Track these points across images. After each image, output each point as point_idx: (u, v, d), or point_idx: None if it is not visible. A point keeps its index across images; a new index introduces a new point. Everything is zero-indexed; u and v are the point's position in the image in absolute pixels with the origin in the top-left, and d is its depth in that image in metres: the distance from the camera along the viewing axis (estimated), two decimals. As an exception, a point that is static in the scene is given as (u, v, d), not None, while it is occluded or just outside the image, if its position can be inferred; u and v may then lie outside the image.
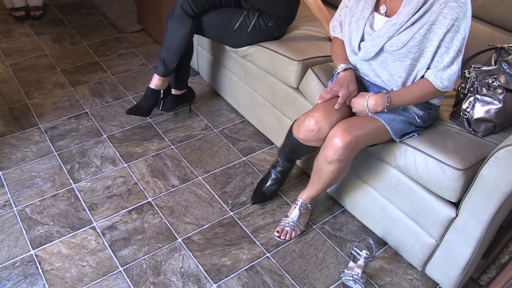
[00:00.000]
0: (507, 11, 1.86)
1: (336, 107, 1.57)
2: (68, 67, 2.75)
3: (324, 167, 1.61)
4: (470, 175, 1.46)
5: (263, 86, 2.17)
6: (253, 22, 2.06)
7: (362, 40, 1.61)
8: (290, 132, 1.72)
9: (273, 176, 1.96)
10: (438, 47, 1.47)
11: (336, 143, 1.51)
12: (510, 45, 1.60)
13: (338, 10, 1.76)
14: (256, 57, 2.11)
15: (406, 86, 1.59)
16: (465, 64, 1.75)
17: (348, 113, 1.62)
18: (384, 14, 1.56)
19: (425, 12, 1.44)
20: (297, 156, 1.81)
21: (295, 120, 1.69)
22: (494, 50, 1.64)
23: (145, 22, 3.13)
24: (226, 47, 2.23)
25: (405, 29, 1.48)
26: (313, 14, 2.09)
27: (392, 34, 1.50)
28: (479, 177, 1.41)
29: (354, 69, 1.67)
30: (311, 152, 1.73)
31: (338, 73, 1.66)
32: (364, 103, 1.56)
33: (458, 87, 1.69)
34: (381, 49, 1.55)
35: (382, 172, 1.70)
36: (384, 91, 1.56)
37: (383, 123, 1.56)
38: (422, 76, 1.56)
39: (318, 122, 1.55)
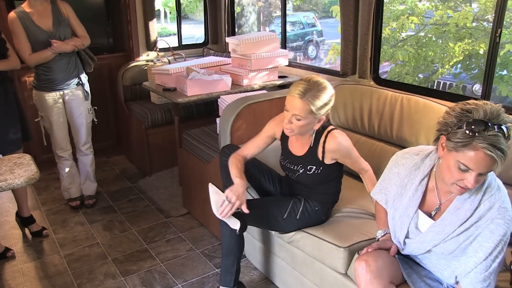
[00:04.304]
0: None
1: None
2: (118, 256, 2.86)
3: None
4: None
5: (311, 272, 2.19)
6: (300, 209, 2.17)
7: (406, 236, 1.68)
8: None
9: None
10: (484, 259, 1.50)
11: None
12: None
13: (381, 183, 1.84)
14: (302, 244, 2.18)
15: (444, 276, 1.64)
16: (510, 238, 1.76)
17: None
18: (432, 216, 1.64)
19: (472, 225, 1.51)
20: None
21: None
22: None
23: (191, 205, 3.32)
24: (273, 232, 2.32)
25: (451, 238, 1.55)
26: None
27: (438, 243, 1.57)
28: None
29: None
30: None
31: (378, 239, 1.80)
32: None
33: (510, 266, 1.68)
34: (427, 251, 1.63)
35: None
36: None
37: None
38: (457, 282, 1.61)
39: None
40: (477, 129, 1.35)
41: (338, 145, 2.06)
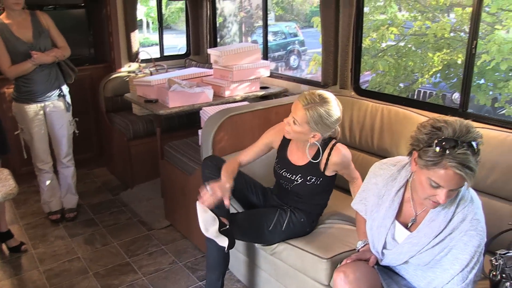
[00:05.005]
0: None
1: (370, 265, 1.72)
2: (100, 270, 2.82)
3: None
4: None
5: (294, 283, 2.19)
6: (286, 220, 2.18)
7: (384, 247, 1.69)
8: None
9: None
10: (461, 271, 1.52)
11: None
12: (529, 227, 1.65)
13: (361, 193, 1.86)
14: (285, 255, 2.18)
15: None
16: (488, 246, 1.79)
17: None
18: (408, 227, 1.66)
19: (446, 237, 1.53)
20: None
21: None
22: (516, 230, 1.69)
23: (173, 217, 3.29)
24: (256, 244, 2.32)
25: (427, 250, 1.56)
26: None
27: (414, 254, 1.59)
28: None
29: None
30: None
31: (359, 250, 1.82)
32: None
33: (489, 274, 1.70)
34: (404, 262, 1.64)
35: None
36: None
37: None
38: None
39: None
40: (447, 146, 1.36)
41: (343, 158, 2.11)
